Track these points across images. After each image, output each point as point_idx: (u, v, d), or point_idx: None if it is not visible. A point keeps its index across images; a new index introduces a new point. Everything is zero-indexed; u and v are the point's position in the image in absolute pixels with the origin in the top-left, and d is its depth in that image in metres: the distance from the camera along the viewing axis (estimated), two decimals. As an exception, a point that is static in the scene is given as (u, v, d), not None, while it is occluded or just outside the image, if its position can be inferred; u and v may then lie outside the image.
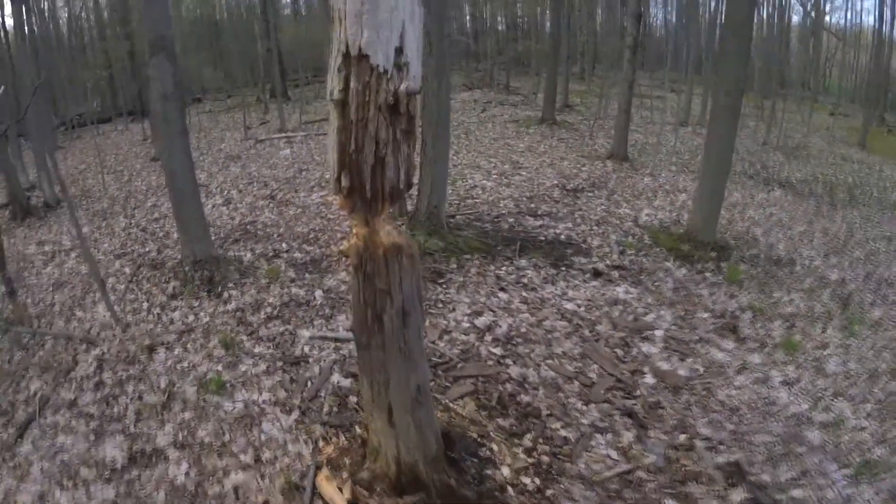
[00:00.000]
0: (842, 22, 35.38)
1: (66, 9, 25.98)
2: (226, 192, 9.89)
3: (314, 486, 3.15)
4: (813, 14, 28.19)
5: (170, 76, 5.60)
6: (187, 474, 3.35)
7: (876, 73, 22.77)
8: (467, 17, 36.31)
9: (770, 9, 26.40)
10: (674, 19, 38.07)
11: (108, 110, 22.14)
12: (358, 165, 2.32)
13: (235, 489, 3.21)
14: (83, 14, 26.96)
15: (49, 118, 12.54)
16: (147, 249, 7.24)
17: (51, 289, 6.34)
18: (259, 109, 20.18)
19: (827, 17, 33.62)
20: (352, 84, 2.22)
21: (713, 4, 25.63)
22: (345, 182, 2.35)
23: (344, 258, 6.45)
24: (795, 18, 30.89)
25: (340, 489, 3.04)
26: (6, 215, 9.72)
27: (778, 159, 14.65)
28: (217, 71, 26.42)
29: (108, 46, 23.09)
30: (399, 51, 2.19)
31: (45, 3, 22.31)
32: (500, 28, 34.84)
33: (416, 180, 2.51)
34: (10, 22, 17.50)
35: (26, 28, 14.93)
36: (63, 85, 20.36)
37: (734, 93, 7.02)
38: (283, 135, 15.36)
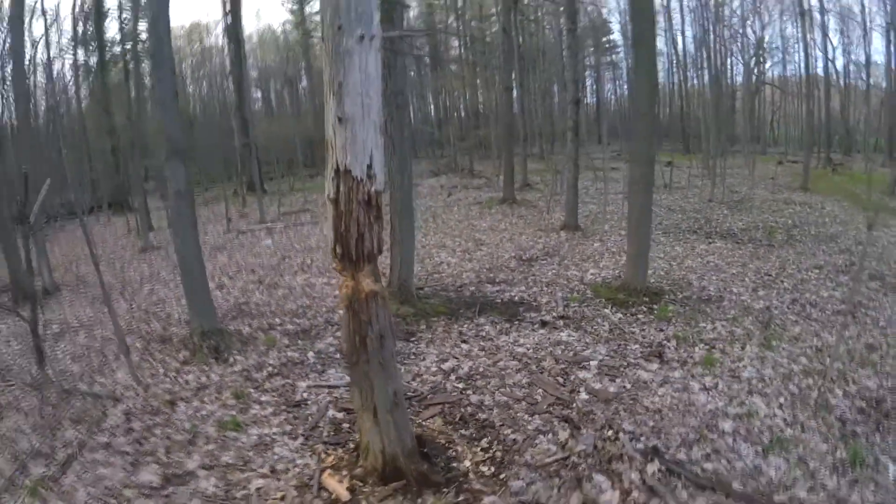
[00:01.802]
0: (782, 74, 37.54)
1: (43, 100, 26.69)
2: (217, 278, 10.84)
3: (320, 484, 4.10)
4: (755, 71, 30.39)
5: (182, 176, 6.77)
6: (216, 486, 4.22)
7: (809, 117, 24.42)
8: (431, 107, 38.61)
9: (712, 72, 28.73)
10: (625, 92, 40.74)
11: (89, 202, 22.66)
12: (346, 239, 3.62)
13: (258, 490, 4.11)
14: (63, 107, 27.63)
15: (44, 207, 13.10)
16: (153, 328, 8.13)
17: (67, 360, 7.07)
18: (237, 202, 21.24)
19: (768, 72, 36.01)
20: (341, 188, 3.55)
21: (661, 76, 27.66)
22: (339, 250, 3.67)
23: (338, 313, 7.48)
24: (738, 78, 33.09)
25: (341, 482, 4.02)
26: (8, 300, 10.05)
27: (722, 213, 15.56)
28: (192, 166, 27.50)
29: (89, 141, 23.74)
30: (370, 167, 3.53)
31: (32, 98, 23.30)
32: (462, 116, 36.59)
33: (383, 248, 3.79)
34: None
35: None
36: (45, 176, 20.66)
37: (645, 166, 8.48)
38: (264, 226, 16.58)
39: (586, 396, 5.42)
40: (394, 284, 8.37)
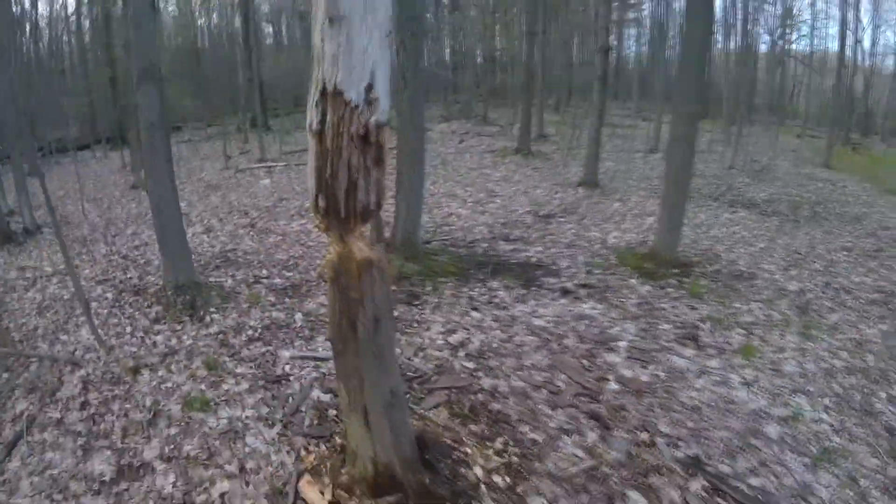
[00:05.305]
0: (808, 48, 36.53)
1: (46, 31, 25.92)
2: (206, 220, 10.09)
3: (297, 492, 3.35)
4: (780, 42, 29.41)
5: (157, 104, 5.80)
6: (174, 485, 3.52)
7: (836, 94, 23.27)
8: (447, 51, 37.09)
9: (738, 39, 27.56)
10: (646, 50, 39.34)
11: (87, 137, 21.93)
12: (333, 189, 2.59)
13: (222, 496, 3.39)
14: (65, 37, 26.95)
15: (30, 141, 12.36)
16: (129, 276, 7.39)
17: (33, 313, 6.44)
18: (239, 139, 20.36)
19: (793, 45, 34.99)
20: (328, 117, 2.49)
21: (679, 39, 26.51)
22: (321, 203, 2.63)
23: (322, 281, 6.68)
24: (763, 47, 32.13)
25: (322, 493, 3.25)
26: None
27: (744, 181, 15.00)
28: (197, 100, 26.55)
29: (90, 72, 23.06)
30: (370, 88, 2.45)
31: (28, 25, 22.45)
32: (478, 61, 35.35)
33: (384, 202, 2.80)
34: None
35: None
36: (42, 109, 20.03)
37: (689, 124, 7.46)
38: (264, 164, 15.64)
39: (616, 387, 4.65)
40: (398, 237, 7.51)
